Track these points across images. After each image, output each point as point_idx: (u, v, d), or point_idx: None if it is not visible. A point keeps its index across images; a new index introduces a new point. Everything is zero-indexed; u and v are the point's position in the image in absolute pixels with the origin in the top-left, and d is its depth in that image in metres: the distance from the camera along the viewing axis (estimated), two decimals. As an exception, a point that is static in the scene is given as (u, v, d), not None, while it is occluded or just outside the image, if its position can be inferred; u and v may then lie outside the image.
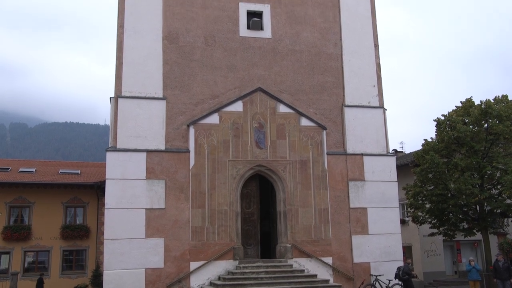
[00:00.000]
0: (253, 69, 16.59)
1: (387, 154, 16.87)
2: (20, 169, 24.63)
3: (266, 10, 17.19)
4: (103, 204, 15.68)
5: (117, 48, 15.99)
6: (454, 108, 18.05)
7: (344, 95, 16.99)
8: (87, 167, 27.67)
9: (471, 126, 16.98)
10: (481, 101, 16.96)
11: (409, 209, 21.73)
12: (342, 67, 17.26)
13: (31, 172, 24.45)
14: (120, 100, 15.34)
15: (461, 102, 17.57)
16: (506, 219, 17.96)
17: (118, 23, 16.10)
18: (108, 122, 17.42)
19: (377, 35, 17.95)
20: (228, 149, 15.73)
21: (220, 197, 15.35)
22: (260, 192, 16.54)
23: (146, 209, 14.78)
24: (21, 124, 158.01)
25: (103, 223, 15.83)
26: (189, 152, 15.52)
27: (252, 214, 16.11)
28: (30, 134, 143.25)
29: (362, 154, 16.58)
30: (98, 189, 22.54)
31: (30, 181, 23.00)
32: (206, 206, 15.18)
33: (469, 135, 16.40)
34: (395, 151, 28.79)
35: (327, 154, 16.35)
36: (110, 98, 15.78)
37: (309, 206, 15.78)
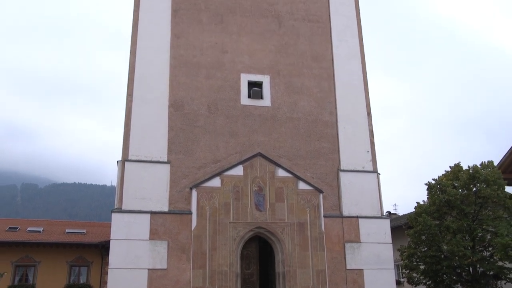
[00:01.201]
0: (253, 135, 17.37)
1: (381, 217, 17.42)
2: (28, 229, 25.85)
3: (266, 80, 18.27)
4: (107, 263, 16.18)
5: (125, 115, 16.85)
6: (444, 172, 19.04)
7: (339, 160, 17.71)
8: (92, 227, 28.71)
9: (460, 190, 17.82)
10: (468, 166, 17.99)
11: (404, 270, 21.76)
12: (338, 134, 18.08)
13: (39, 231, 25.61)
14: (126, 163, 16.07)
15: (450, 167, 18.60)
16: (499, 281, 18.37)
17: (127, 92, 17.08)
18: (115, 184, 18.13)
19: (369, 103, 18.95)
20: (229, 211, 16.23)
21: (220, 258, 15.65)
22: (260, 253, 16.77)
23: (148, 269, 15.12)
24: (32, 184, 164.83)
25: (106, 283, 16.18)
26: (191, 214, 16.02)
27: (252, 275, 16.41)
28: (40, 194, 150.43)
29: (357, 217, 17.07)
30: (102, 249, 23.20)
31: (37, 240, 23.88)
32: (207, 267, 15.49)
33: (459, 198, 17.25)
34: (389, 213, 29.56)
35: (324, 216, 16.83)
36: (117, 161, 16.41)
37: (307, 267, 16.06)
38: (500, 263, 17.32)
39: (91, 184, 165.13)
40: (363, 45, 19.79)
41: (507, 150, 18.20)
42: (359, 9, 20.36)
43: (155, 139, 16.66)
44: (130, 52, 17.61)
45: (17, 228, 26.12)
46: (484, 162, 17.75)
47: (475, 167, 17.53)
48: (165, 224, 15.71)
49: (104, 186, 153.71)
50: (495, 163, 18.04)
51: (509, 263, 16.35)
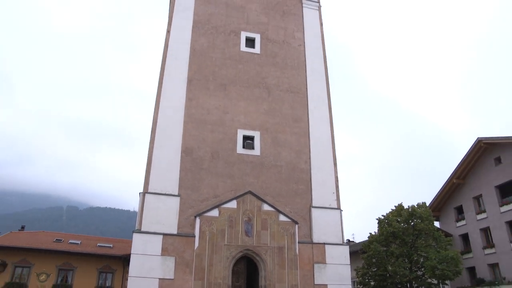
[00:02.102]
0: (246, 178, 19.97)
1: (342, 244, 19.96)
2: (70, 241, 30.21)
3: (257, 135, 21.08)
4: (127, 272, 18.48)
5: (147, 156, 19.33)
6: (390, 210, 22.70)
7: (311, 199, 20.43)
8: (118, 243, 32.67)
9: (402, 224, 21.29)
10: (408, 206, 21.75)
11: (358, 286, 24.61)
12: (311, 179, 20.88)
13: (77, 243, 30.01)
14: (146, 195, 18.36)
15: (395, 206, 22.26)
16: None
17: (150, 139, 19.76)
18: (136, 209, 19.89)
19: (335, 155, 21.98)
20: (224, 236, 18.36)
21: (216, 272, 17.60)
22: (247, 270, 18.82)
23: (159, 278, 17.04)
24: (74, 207, 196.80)
25: (126, 287, 18.46)
26: (195, 237, 18.03)
27: (240, 287, 18.42)
28: (80, 215, 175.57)
29: (324, 243, 19.59)
30: (124, 260, 27.02)
31: (76, 250, 28.27)
32: (205, 279, 17.41)
33: (401, 230, 20.70)
34: (349, 241, 32.87)
35: (298, 242, 19.16)
36: (140, 193, 18.79)
37: (284, 282, 18.20)
38: (429, 280, 20.62)
39: (118, 209, 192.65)
40: (331, 111, 23.09)
41: (436, 193, 21.88)
42: (329, 85, 23.93)
43: (169, 177, 19.01)
44: (154, 109, 20.46)
45: (61, 240, 30.51)
46: (419, 203, 21.62)
47: (412, 206, 21.38)
48: (174, 244, 17.77)
49: (128, 211, 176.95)
50: (427, 203, 22.01)
51: (435, 280, 19.71)
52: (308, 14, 26.46)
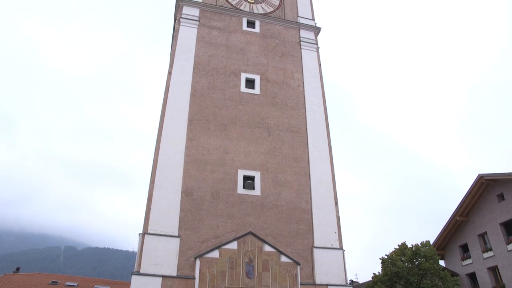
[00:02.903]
0: (246, 218, 19.99)
1: (346, 285, 19.69)
2: (66, 283, 29.61)
3: (257, 175, 21.23)
4: None
5: (148, 197, 19.36)
6: (393, 249, 22.51)
7: (313, 239, 20.33)
8: (116, 285, 31.85)
9: (406, 264, 21.16)
10: (412, 245, 21.63)
11: None
12: (312, 218, 20.85)
13: (74, 285, 29.36)
14: (146, 236, 18.24)
15: (398, 245, 22.10)
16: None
17: (150, 179, 19.87)
18: (135, 250, 19.78)
19: (336, 195, 21.96)
20: (225, 278, 18.10)
21: None
22: None
23: None
24: (72, 247, 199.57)
25: None
26: (195, 279, 17.76)
27: None
28: (78, 255, 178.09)
29: (327, 285, 19.30)
30: None
31: None
32: None
33: (405, 270, 20.53)
34: (352, 281, 32.29)
35: (301, 284, 18.89)
36: (139, 233, 18.70)
37: None
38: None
39: (117, 249, 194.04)
40: (331, 151, 23.32)
41: (439, 232, 21.87)
42: (328, 124, 24.29)
43: (169, 218, 19.01)
44: (155, 149, 20.73)
45: (58, 282, 29.83)
46: (423, 241, 21.52)
47: (416, 245, 21.26)
48: (173, 286, 17.47)
49: (127, 252, 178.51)
50: (431, 242, 21.87)
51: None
52: (307, 55, 27.22)
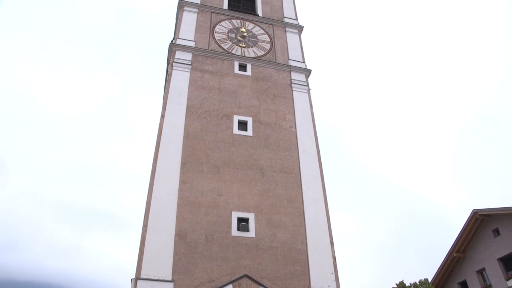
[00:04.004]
0: (241, 261, 19.81)
1: None
2: None
3: (251, 217, 21.21)
4: None
5: (140, 241, 19.20)
6: None
7: (310, 281, 20.10)
8: None
9: None
10: (410, 283, 21.51)
11: None
12: (308, 260, 20.66)
13: None
14: (139, 281, 17.95)
15: (396, 284, 22.00)
16: None
17: (143, 223, 19.78)
18: None
19: (332, 235, 21.86)
20: None
21: None
22: None
23: None
24: None
25: None
26: None
27: None
28: None
29: None
30: None
31: None
32: None
33: None
34: None
35: None
36: (131, 279, 18.41)
37: None
38: None
39: None
40: (325, 190, 23.43)
41: (437, 268, 21.72)
42: (321, 164, 24.47)
43: (162, 262, 18.80)
44: (148, 192, 20.74)
45: None
46: (421, 279, 21.45)
47: (415, 284, 21.15)
48: None
49: None
50: (430, 279, 21.80)
51: None
52: (298, 97, 27.74)
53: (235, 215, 21.33)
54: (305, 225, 21.95)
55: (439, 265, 37.94)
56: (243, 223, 21.10)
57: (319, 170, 24.25)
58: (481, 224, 35.53)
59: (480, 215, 34.91)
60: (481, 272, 35.45)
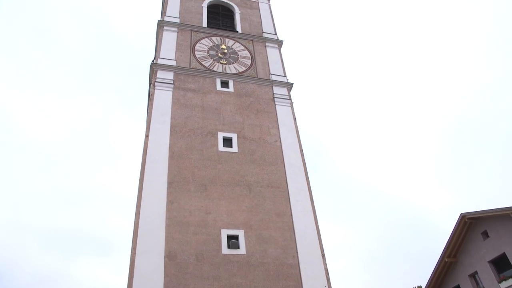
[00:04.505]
0: (233, 278, 19.66)
1: None
2: None
3: (241, 234, 21.13)
4: None
5: (130, 264, 18.97)
6: None
7: None
8: None
9: None
10: None
11: None
12: (300, 273, 20.55)
13: None
14: None
15: None
16: None
17: (132, 245, 19.51)
18: None
19: (323, 247, 21.77)
20: None
21: None
22: None
23: None
24: None
25: None
26: None
27: None
28: None
29: None
30: None
31: None
32: None
33: None
34: None
35: None
36: None
37: None
38: None
39: None
40: (313, 203, 23.45)
41: (429, 274, 21.66)
42: (308, 177, 24.58)
43: (153, 284, 18.50)
44: (135, 214, 20.49)
45: None
46: (415, 286, 21.49)
47: None
48: None
49: None
50: (423, 286, 21.87)
51: None
52: (281, 111, 27.90)
53: (224, 233, 21.21)
54: (295, 239, 21.91)
55: (431, 271, 38.14)
56: (233, 241, 21.00)
57: (306, 183, 24.32)
58: (470, 227, 35.83)
59: (468, 218, 35.23)
60: (473, 275, 35.64)
